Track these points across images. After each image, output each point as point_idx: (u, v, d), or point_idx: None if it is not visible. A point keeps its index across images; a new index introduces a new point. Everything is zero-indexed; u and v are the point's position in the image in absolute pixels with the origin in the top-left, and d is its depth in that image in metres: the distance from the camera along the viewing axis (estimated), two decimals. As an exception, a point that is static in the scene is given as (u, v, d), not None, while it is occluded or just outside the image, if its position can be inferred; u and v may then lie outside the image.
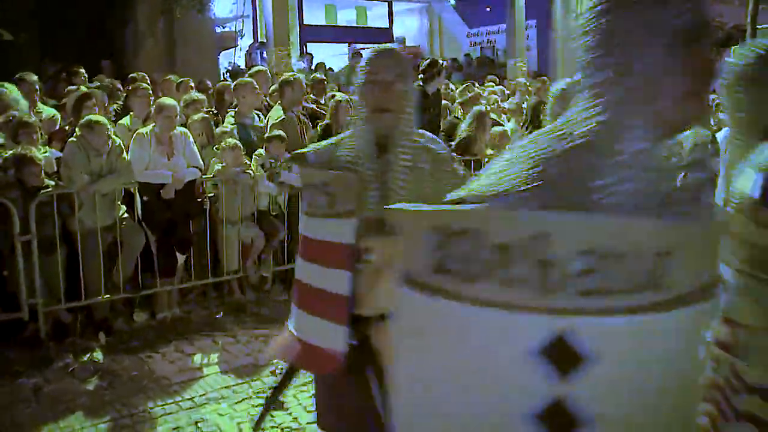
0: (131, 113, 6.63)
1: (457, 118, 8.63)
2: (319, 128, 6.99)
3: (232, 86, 7.44)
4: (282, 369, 5.01)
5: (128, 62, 10.51)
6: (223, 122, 6.94)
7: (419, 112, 7.60)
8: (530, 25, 16.65)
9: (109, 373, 4.96)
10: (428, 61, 7.75)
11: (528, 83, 12.30)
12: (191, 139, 5.96)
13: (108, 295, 5.65)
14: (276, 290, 6.72)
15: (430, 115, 7.64)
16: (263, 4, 15.29)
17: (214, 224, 6.18)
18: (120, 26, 10.80)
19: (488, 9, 17.74)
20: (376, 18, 18.83)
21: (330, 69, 14.16)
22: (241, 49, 15.29)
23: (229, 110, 7.27)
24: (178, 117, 5.84)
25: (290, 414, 4.46)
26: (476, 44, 18.76)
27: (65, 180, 5.47)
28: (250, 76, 7.26)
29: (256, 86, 6.89)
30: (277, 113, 6.65)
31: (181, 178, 5.75)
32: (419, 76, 7.68)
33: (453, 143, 7.82)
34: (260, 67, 7.80)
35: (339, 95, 7.41)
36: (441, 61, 7.71)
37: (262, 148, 6.39)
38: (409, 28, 20.14)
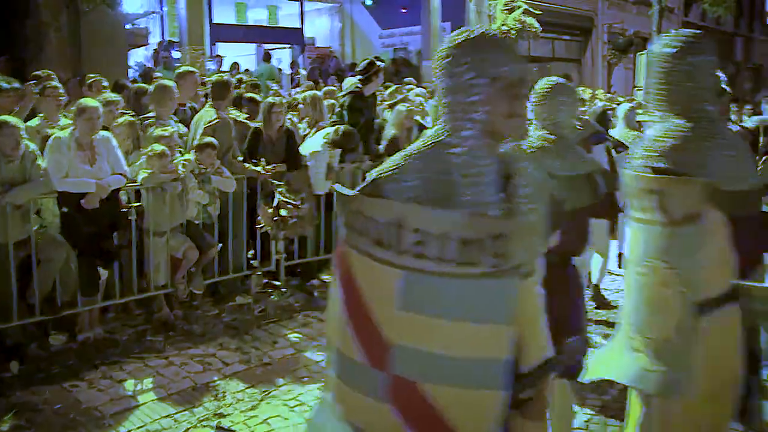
0: (40, 115, 6.04)
1: (383, 119, 8.41)
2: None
3: (150, 88, 6.88)
4: (224, 392, 4.65)
5: (28, 59, 9.68)
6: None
7: (356, 113, 7.36)
8: (445, 28, 16.63)
9: (28, 409, 4.41)
10: (366, 61, 7.48)
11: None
12: (115, 144, 5.45)
13: (23, 319, 5.10)
14: (205, 304, 6.29)
15: (367, 118, 7.37)
16: (176, 0, 14.62)
17: (140, 236, 5.70)
18: (19, 18, 9.93)
19: (404, 11, 17.62)
20: (287, 18, 18.36)
21: (246, 70, 13.64)
22: (146, 49, 14.54)
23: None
24: (101, 119, 5.31)
25: (242, 443, 4.10)
26: (389, 46, 18.61)
27: (-31, 191, 4.87)
28: (179, 76, 6.77)
29: (177, 89, 6.39)
30: (208, 115, 6.21)
31: (105, 186, 5.24)
32: (357, 78, 7.40)
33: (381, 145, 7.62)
34: (189, 68, 7.29)
35: (272, 98, 7.03)
36: (378, 63, 7.44)
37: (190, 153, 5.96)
38: (319, 28, 19.77)
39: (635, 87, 16.45)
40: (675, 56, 2.69)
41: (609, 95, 15.76)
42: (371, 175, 2.05)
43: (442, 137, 1.99)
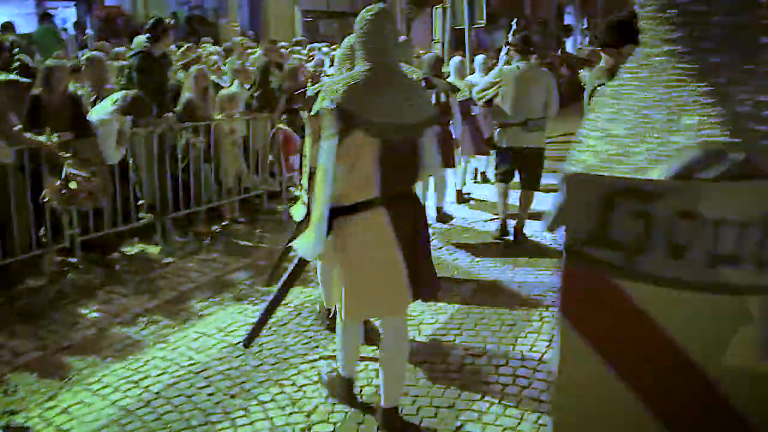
0: None
1: (178, 81, 8.06)
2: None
3: None
4: (16, 385, 4.26)
5: None
6: None
7: (146, 75, 6.98)
8: (240, -16, 16.16)
9: None
10: (154, 20, 7.07)
11: (243, 43, 11.85)
12: None
13: None
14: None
15: (156, 79, 7.00)
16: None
17: None
18: None
19: (195, -34, 16.87)
20: (67, -27, 16.94)
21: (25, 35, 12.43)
22: None
23: None
24: None
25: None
26: (184, 3, 17.77)
27: None
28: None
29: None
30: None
31: None
32: (146, 37, 6.99)
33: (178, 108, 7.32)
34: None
35: (52, 61, 6.48)
36: (167, 20, 7.06)
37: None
38: (106, -16, 18.49)
39: (432, 40, 16.92)
40: (367, 19, 3.37)
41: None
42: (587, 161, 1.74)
43: None
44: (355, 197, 3.35)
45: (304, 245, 3.41)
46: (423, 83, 6.21)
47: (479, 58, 10.09)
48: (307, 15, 18.81)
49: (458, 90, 7.79)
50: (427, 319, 5.21)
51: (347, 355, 3.88)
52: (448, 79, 8.50)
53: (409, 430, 3.72)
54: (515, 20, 10.10)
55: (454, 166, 8.10)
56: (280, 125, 8.03)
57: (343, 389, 4.00)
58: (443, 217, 7.82)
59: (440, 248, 7.02)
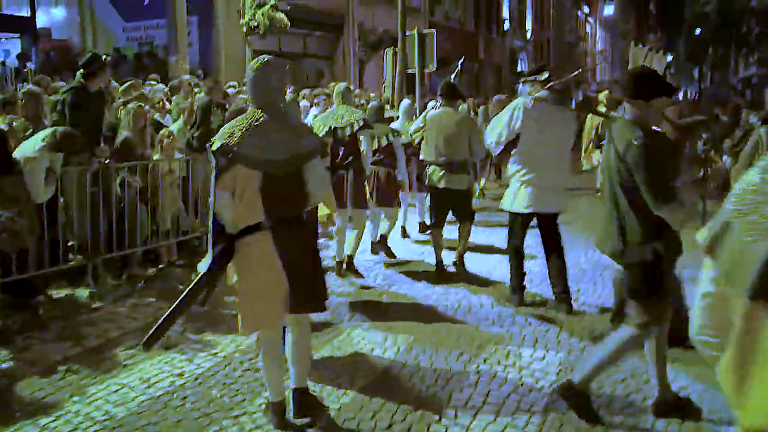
0: None
1: (118, 118, 7.84)
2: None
3: None
4: None
5: None
6: None
7: (81, 111, 6.78)
8: (192, 21, 16.01)
9: None
10: (90, 55, 6.90)
11: (191, 81, 11.68)
12: None
13: None
14: None
15: (91, 115, 6.78)
16: None
17: None
18: None
19: (146, 3, 16.70)
20: (13, 4, 16.63)
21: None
22: None
23: None
24: None
25: None
26: (134, 39, 17.59)
27: None
28: None
29: None
30: None
31: None
32: (80, 72, 6.78)
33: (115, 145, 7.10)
34: None
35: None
36: (104, 57, 6.88)
37: None
38: (55, 18, 18.20)
39: (383, 84, 16.95)
40: (256, 69, 3.94)
41: (358, 91, 16.14)
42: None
43: None
44: (245, 222, 3.85)
45: (203, 261, 4.01)
46: (361, 123, 6.97)
47: (404, 103, 10.18)
48: (260, 56, 18.77)
49: (400, 133, 8.05)
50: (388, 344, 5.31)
51: (268, 377, 4.09)
52: (398, 122, 9.17)
53: (317, 407, 4.16)
54: (460, 63, 10.19)
55: (399, 206, 8.43)
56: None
57: (275, 414, 4.08)
58: (387, 250, 8.22)
59: (385, 278, 6.95)
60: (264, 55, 4.06)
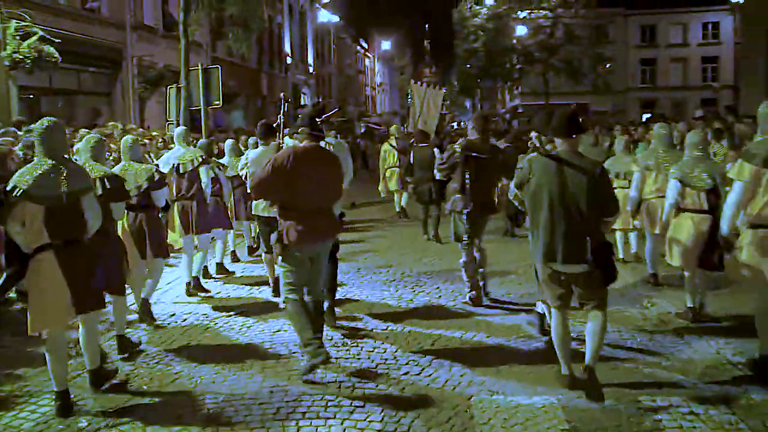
0: None
1: None
2: None
3: None
4: None
5: None
6: None
7: None
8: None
9: None
10: None
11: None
12: None
13: None
14: None
15: None
16: None
17: None
18: None
19: None
20: None
21: None
22: None
23: None
24: None
25: None
26: None
27: None
28: None
29: None
30: None
31: None
32: None
33: None
34: None
35: None
36: None
37: None
38: None
39: (167, 121, 16.30)
40: (41, 132, 5.07)
41: (141, 130, 15.39)
42: None
43: None
44: (34, 244, 4.98)
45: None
46: (200, 159, 8.49)
47: (228, 143, 11.30)
48: (27, 92, 17.21)
49: (225, 167, 9.86)
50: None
51: (54, 370, 5.07)
52: (224, 158, 10.63)
53: (110, 377, 5.57)
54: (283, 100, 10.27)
55: (231, 228, 10.28)
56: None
57: (60, 401, 5.07)
58: (223, 270, 9.83)
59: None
60: (45, 119, 5.14)
